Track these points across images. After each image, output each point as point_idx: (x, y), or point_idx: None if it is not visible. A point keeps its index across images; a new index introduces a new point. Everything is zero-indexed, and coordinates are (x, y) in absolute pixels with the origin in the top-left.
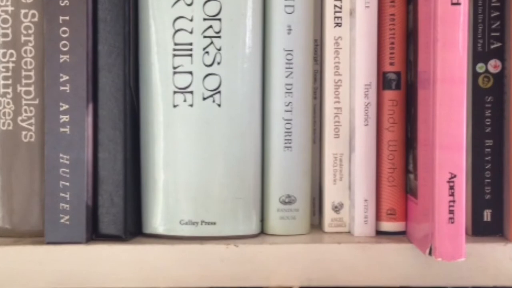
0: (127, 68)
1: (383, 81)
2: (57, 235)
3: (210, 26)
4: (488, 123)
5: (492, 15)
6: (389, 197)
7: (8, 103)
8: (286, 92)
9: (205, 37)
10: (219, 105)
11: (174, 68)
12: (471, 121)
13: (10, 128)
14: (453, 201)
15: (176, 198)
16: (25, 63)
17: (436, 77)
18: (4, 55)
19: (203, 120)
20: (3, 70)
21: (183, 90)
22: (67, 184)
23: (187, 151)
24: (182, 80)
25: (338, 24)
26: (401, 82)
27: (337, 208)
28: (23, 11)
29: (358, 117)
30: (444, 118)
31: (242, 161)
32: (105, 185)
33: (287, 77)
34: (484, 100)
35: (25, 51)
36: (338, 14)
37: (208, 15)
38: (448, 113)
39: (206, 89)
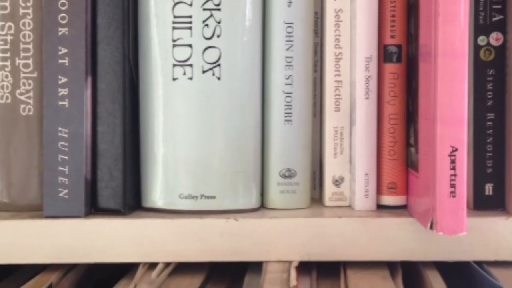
0: (126, 41)
1: (384, 54)
2: (55, 209)
3: None
4: (489, 96)
5: None
6: (390, 170)
7: (7, 76)
8: (286, 65)
9: (204, 9)
10: (218, 78)
11: (174, 41)
12: (472, 94)
13: (9, 101)
14: (455, 175)
15: (175, 172)
16: (24, 36)
17: (437, 50)
18: (2, 28)
19: (202, 93)
20: (1, 43)
21: (182, 63)
22: (66, 157)
23: (187, 125)
24: (182, 53)
25: None
26: (402, 55)
27: (337, 182)
28: None
29: (358, 90)
30: (445, 91)
31: (242, 135)
32: (104, 159)
33: (287, 50)
34: (486, 73)
35: (24, 24)
36: None
37: None
38: (450, 86)
39: (206, 62)
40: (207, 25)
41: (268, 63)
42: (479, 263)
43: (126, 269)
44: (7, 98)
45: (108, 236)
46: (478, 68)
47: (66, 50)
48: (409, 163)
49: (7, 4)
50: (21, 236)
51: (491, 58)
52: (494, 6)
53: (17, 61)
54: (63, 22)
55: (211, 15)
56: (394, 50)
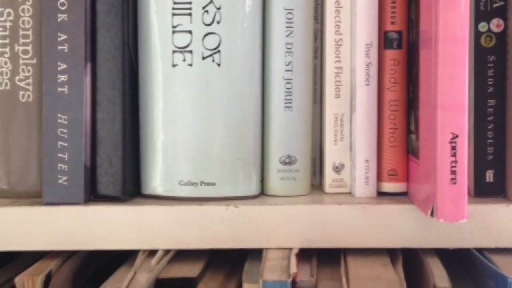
0: (126, 27)
1: (384, 41)
2: (55, 196)
3: None
4: (490, 83)
5: None
6: (390, 157)
7: (6, 63)
8: (287, 52)
9: None
10: (218, 64)
11: (173, 27)
12: (473, 81)
13: (8, 88)
14: (455, 161)
15: (175, 158)
16: (23, 22)
17: (438, 37)
18: (1, 14)
19: (202, 79)
20: (0, 29)
21: (182, 50)
22: (65, 144)
23: (187, 111)
24: (181, 40)
25: None
26: (403, 42)
27: (338, 169)
28: None
29: (359, 77)
30: (446, 78)
31: (242, 121)
32: (103, 145)
33: (287, 36)
34: (487, 60)
35: (23, 10)
36: None
37: None
38: (450, 72)
39: (206, 48)
40: (207, 11)
41: (268, 49)
42: (480, 250)
43: (126, 256)
44: (6, 84)
45: (108, 223)
46: (479, 55)
47: (65, 37)
48: (410, 150)
49: None
50: (20, 223)
51: (492, 45)
52: None
53: (16, 47)
54: (63, 8)
55: (211, 1)
56: (394, 37)
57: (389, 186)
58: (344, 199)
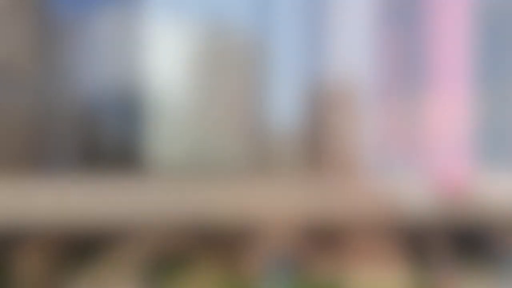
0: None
1: None
2: (52, 164)
3: None
4: (491, 53)
5: None
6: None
7: None
8: None
9: None
10: None
11: None
12: (474, 53)
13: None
14: (458, 133)
15: (169, 131)
16: None
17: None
18: None
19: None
20: None
21: None
22: (63, 112)
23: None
24: None
25: None
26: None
27: None
28: None
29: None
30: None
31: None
32: (102, 114)
33: None
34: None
35: None
36: None
37: None
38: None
39: None
40: None
41: None
42: (484, 223)
43: (120, 231)
44: None
45: (103, 194)
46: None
47: None
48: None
49: None
50: (13, 195)
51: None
52: None
53: None
54: None
55: None
56: None
57: (391, 159)
58: (344, 173)
